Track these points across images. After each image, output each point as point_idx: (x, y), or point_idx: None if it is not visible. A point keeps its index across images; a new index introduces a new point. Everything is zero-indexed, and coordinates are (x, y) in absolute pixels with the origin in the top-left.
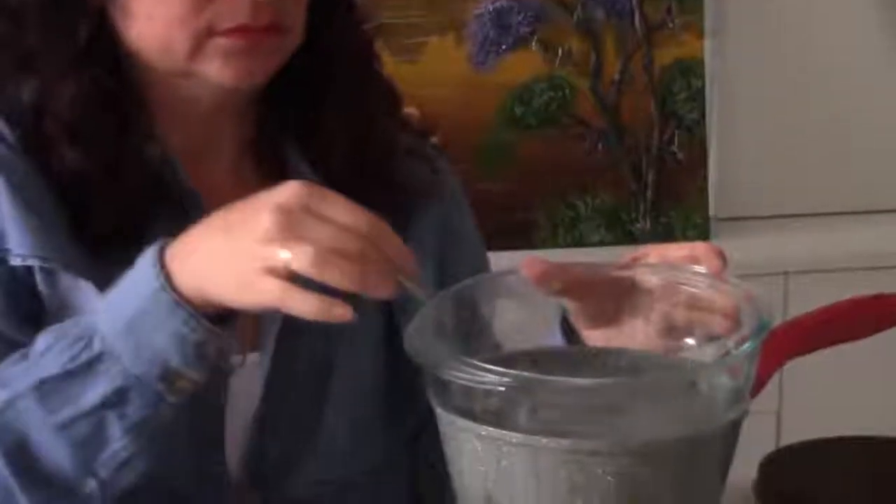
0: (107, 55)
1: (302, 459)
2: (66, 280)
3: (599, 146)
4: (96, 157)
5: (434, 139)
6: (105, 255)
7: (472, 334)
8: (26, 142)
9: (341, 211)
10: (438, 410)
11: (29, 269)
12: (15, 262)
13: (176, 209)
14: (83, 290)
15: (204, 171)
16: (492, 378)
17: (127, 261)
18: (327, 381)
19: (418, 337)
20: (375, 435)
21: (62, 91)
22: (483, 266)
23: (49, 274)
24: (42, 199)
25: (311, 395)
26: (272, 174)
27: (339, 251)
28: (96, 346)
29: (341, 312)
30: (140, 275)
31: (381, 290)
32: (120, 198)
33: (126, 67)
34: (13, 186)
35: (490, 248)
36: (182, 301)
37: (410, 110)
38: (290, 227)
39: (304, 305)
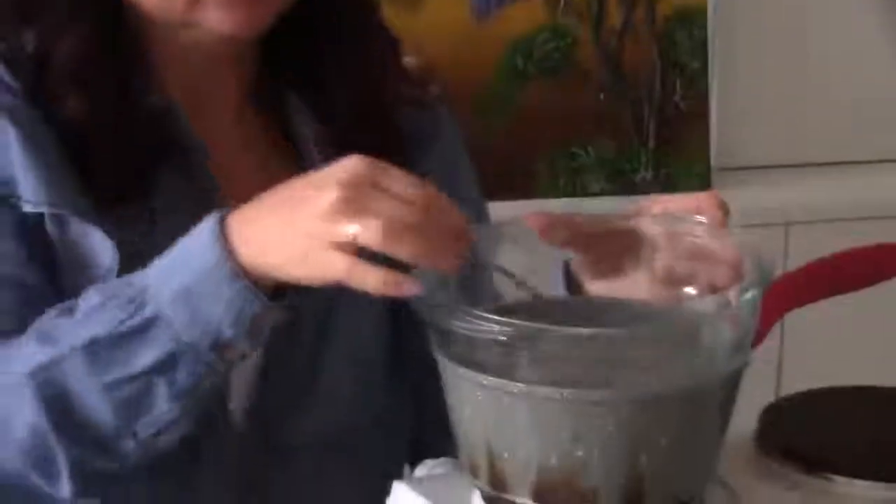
0: (106, 5)
1: (303, 407)
2: (77, 227)
3: (601, 96)
4: (99, 106)
5: (435, 88)
6: (111, 205)
7: (472, 283)
8: (31, 91)
9: (404, 183)
10: (441, 359)
11: (40, 216)
12: (26, 208)
13: (181, 159)
14: (93, 238)
15: (206, 121)
16: (493, 327)
17: (133, 210)
18: (328, 334)
19: (419, 287)
20: (378, 382)
21: (63, 41)
22: (482, 216)
23: (60, 221)
24: (50, 149)
25: (313, 344)
26: (275, 124)
27: (405, 224)
28: (149, 311)
29: (409, 286)
30: (198, 243)
31: (447, 263)
32: (123, 147)
33: (126, 18)
34: (23, 135)
35: (490, 198)
36: (242, 274)
37: (409, 59)
38: (355, 202)
39: (371, 280)
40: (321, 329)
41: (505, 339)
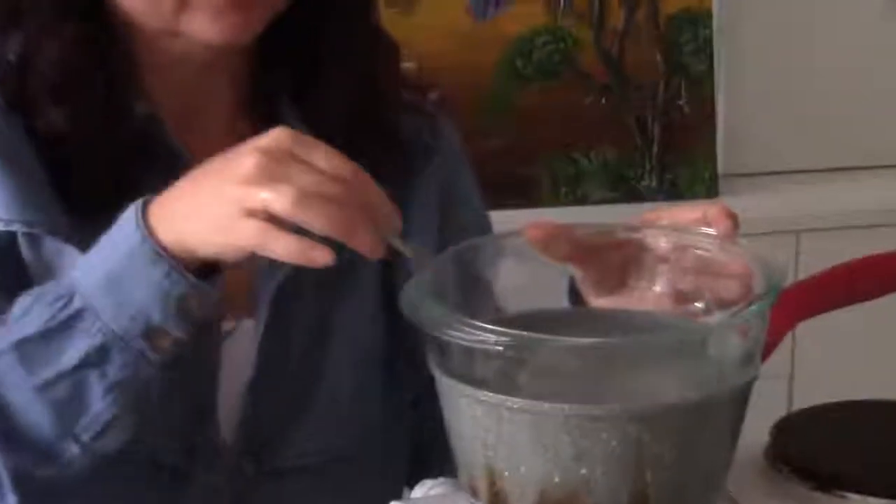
0: (92, 12)
1: (297, 427)
2: (51, 246)
3: (603, 100)
4: (81, 116)
5: (434, 95)
6: (91, 220)
7: (472, 297)
8: (12, 101)
9: (325, 158)
10: (438, 375)
11: (12, 235)
12: None
13: (165, 173)
14: (68, 256)
15: (196, 133)
16: (489, 337)
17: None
18: (324, 347)
19: (415, 298)
20: (374, 401)
21: (46, 48)
22: (485, 227)
23: (33, 240)
24: (27, 161)
25: (307, 360)
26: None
27: (321, 195)
28: (76, 303)
29: (321, 255)
30: (120, 230)
31: (361, 239)
32: (106, 160)
33: (112, 25)
34: None
35: (489, 206)
36: (163, 253)
37: (408, 65)
38: (271, 169)
39: (282, 247)
40: (316, 338)
41: (502, 349)
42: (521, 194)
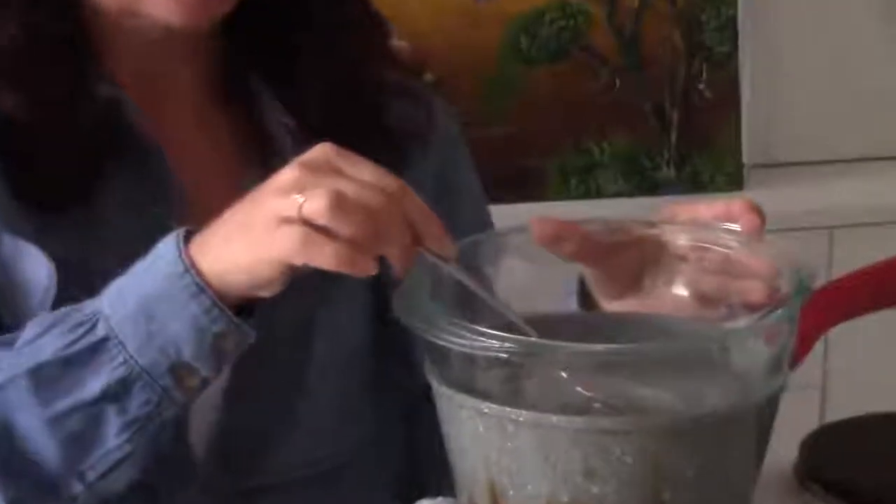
0: None
1: (277, 441)
2: (10, 245)
3: (616, 83)
4: (40, 102)
5: (428, 77)
6: (53, 216)
7: (471, 299)
8: None
9: (370, 171)
10: (436, 385)
11: None
12: None
13: (133, 161)
14: (30, 258)
15: (163, 119)
16: (493, 343)
17: (81, 221)
18: (307, 350)
19: (410, 300)
20: (363, 409)
21: (2, 25)
22: (484, 222)
23: None
24: None
25: (288, 368)
26: (246, 121)
27: (356, 201)
28: (99, 331)
29: (365, 264)
30: (157, 258)
31: (396, 252)
32: (68, 149)
33: (72, 4)
34: None
35: (492, 201)
36: (206, 287)
37: (399, 44)
38: (309, 179)
39: (324, 254)
40: (299, 345)
41: (507, 356)
42: (527, 187)
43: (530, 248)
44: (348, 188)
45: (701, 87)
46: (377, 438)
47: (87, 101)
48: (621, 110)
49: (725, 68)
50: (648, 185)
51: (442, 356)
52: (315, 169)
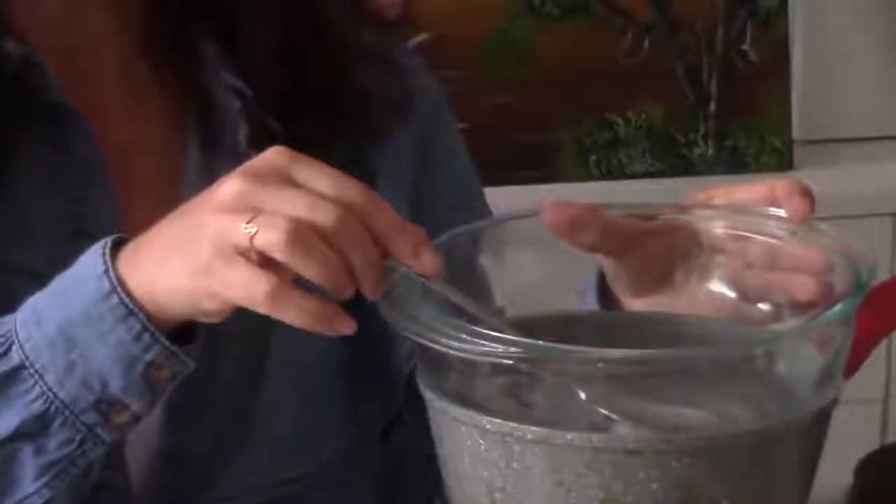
0: None
1: (230, 459)
2: None
3: (646, 44)
4: None
5: (423, 36)
6: None
7: (470, 297)
8: None
9: (326, 180)
10: (430, 396)
11: None
12: None
13: (47, 131)
14: None
15: (84, 84)
16: (496, 347)
17: None
18: (261, 365)
19: (398, 298)
20: (330, 426)
21: None
22: (473, 204)
23: None
24: None
25: (244, 374)
26: (181, 86)
27: (313, 226)
28: (13, 358)
29: (345, 324)
30: (80, 274)
31: (364, 270)
32: None
33: None
34: None
35: (497, 182)
36: (137, 309)
37: None
38: (257, 193)
39: (292, 310)
40: (253, 353)
41: (513, 363)
42: (540, 166)
43: (541, 237)
44: (302, 207)
45: (744, 48)
46: (345, 459)
47: None
48: (650, 76)
49: (773, 27)
50: (681, 165)
51: (436, 363)
52: (263, 180)
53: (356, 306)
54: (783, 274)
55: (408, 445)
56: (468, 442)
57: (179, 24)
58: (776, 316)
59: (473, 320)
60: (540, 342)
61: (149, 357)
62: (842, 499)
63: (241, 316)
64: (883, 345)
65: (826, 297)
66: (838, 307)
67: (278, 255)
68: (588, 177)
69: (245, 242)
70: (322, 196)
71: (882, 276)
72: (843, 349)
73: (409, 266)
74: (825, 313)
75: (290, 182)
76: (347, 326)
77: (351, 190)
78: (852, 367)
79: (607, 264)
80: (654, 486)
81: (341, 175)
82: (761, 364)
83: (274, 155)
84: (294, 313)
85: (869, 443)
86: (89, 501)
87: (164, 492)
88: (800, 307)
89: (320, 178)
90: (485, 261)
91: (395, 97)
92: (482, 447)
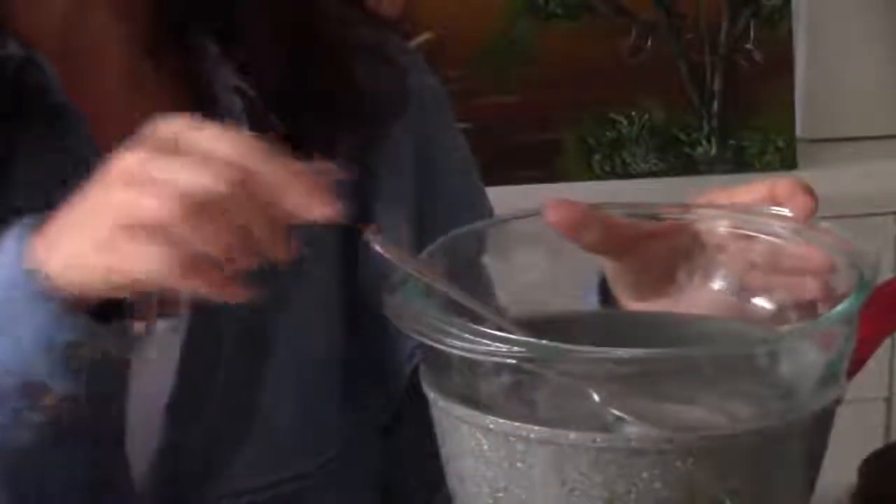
0: None
1: (230, 456)
2: None
3: (648, 43)
4: None
5: (426, 35)
6: None
7: (471, 296)
8: None
9: (217, 142)
10: (432, 396)
11: None
12: None
13: (50, 130)
14: None
15: (86, 83)
16: (499, 347)
17: None
18: (261, 361)
19: (402, 296)
20: (330, 424)
21: None
22: (476, 202)
23: None
24: None
25: (243, 372)
26: (181, 85)
27: (207, 194)
28: None
29: (235, 293)
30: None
31: (272, 250)
32: None
33: None
34: None
35: (500, 181)
36: (49, 290)
37: None
38: (151, 165)
39: (199, 283)
40: (253, 351)
41: (515, 362)
42: (542, 165)
43: (544, 236)
44: (192, 175)
45: (748, 47)
46: (347, 458)
47: None
48: (653, 75)
49: (777, 26)
50: (685, 164)
51: (440, 362)
52: (158, 150)
53: (355, 303)
54: (785, 273)
55: (409, 444)
56: (471, 441)
57: (182, 24)
58: (779, 316)
59: (477, 319)
60: (543, 341)
61: (66, 338)
62: (845, 498)
63: (238, 308)
64: (886, 343)
65: (829, 297)
66: (841, 307)
67: (173, 229)
68: (591, 176)
69: (141, 216)
70: (211, 160)
71: (885, 275)
72: (847, 348)
73: (306, 218)
74: (828, 313)
75: (184, 149)
76: (239, 295)
77: (241, 150)
78: (856, 367)
79: (608, 266)
80: (658, 485)
81: (232, 136)
82: (764, 364)
83: (169, 124)
84: (199, 286)
85: (873, 442)
86: (90, 500)
87: (165, 489)
88: (803, 307)
89: (212, 141)
90: (487, 260)
91: (396, 96)
92: (485, 447)
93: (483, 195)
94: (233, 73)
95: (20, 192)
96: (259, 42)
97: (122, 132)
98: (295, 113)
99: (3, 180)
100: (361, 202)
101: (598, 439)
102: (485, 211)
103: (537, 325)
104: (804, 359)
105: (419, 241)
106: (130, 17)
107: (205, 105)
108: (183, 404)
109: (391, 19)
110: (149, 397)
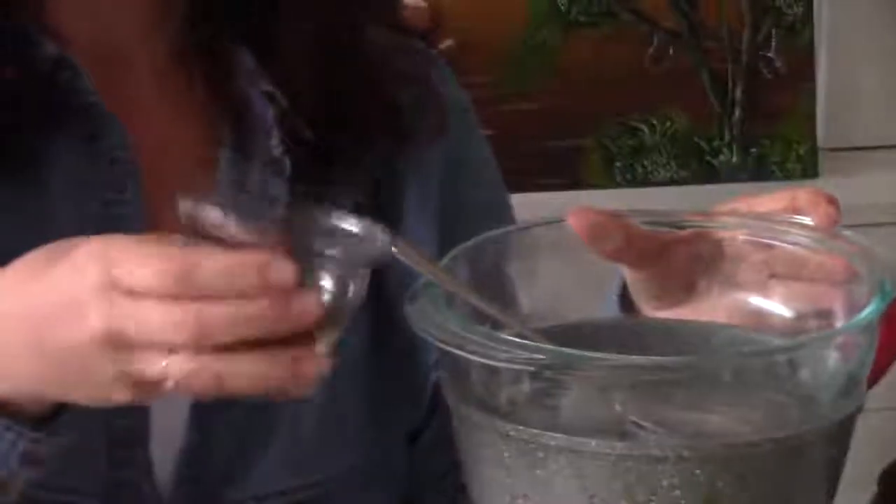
0: None
1: (253, 461)
2: None
3: (670, 51)
4: None
5: (448, 42)
6: None
7: (494, 303)
8: None
9: (153, 275)
10: (454, 403)
11: None
12: None
13: (82, 131)
14: None
15: (119, 88)
16: (520, 354)
17: (16, 215)
18: None
19: (425, 306)
20: (354, 430)
21: None
22: (502, 212)
23: None
24: None
25: None
26: (213, 91)
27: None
28: None
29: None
30: None
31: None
32: (2, 121)
33: None
34: None
35: (521, 188)
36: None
37: (414, 2)
38: (124, 317)
39: (244, 381)
40: None
41: (536, 370)
42: (564, 172)
43: (566, 243)
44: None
45: (769, 55)
46: (369, 464)
47: (26, 64)
48: (675, 83)
49: (799, 34)
50: (706, 172)
51: (461, 370)
52: (120, 293)
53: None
54: (806, 282)
55: (433, 451)
56: (492, 449)
57: (215, 30)
58: (799, 324)
59: (498, 327)
60: (564, 349)
61: (21, 448)
62: None
63: None
64: None
65: (850, 305)
66: (862, 315)
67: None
68: (612, 184)
69: (156, 379)
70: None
71: None
72: (868, 357)
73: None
74: (849, 321)
75: (130, 292)
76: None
77: (247, 263)
78: (876, 375)
79: (629, 275)
80: (677, 493)
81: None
82: (784, 372)
83: (89, 265)
84: (245, 384)
85: (893, 451)
86: (114, 501)
87: (188, 491)
88: (823, 315)
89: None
90: (510, 268)
91: (427, 106)
92: (506, 454)
93: (509, 208)
94: (265, 80)
95: (52, 193)
96: (292, 50)
97: (153, 135)
98: (326, 121)
99: (35, 180)
100: (387, 207)
101: (619, 447)
102: (509, 220)
103: (560, 333)
104: (825, 367)
105: (442, 251)
106: (163, 22)
107: (236, 111)
108: (208, 406)
109: (421, 29)
110: (174, 401)
